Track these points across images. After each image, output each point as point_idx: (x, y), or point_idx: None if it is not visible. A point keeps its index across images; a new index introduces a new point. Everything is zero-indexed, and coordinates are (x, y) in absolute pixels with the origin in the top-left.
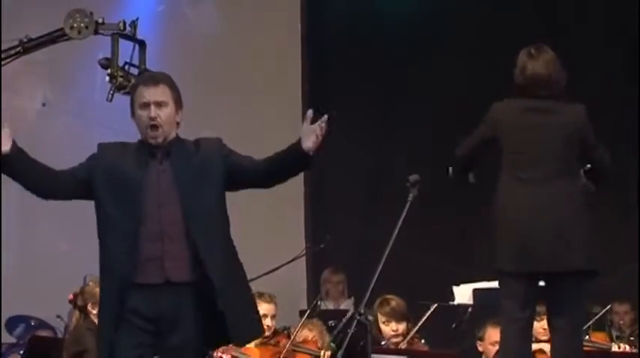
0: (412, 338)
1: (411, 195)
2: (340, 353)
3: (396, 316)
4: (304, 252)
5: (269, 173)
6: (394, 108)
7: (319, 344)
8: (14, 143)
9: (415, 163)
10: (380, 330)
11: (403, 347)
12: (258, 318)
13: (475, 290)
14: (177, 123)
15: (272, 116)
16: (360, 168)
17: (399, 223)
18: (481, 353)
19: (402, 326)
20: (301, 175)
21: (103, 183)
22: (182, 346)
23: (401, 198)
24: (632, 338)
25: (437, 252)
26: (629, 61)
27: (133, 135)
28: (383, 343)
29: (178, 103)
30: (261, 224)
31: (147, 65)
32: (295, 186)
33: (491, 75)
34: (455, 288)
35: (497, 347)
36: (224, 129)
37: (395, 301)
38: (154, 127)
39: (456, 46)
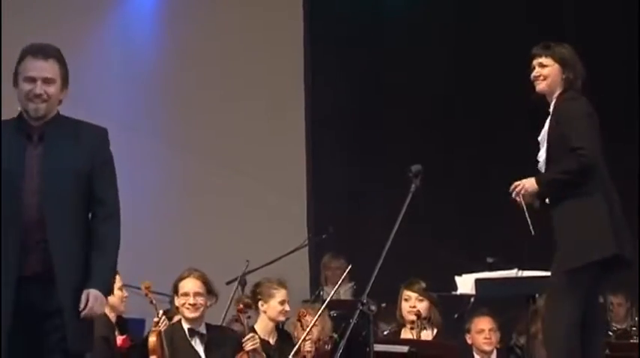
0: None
1: (413, 185)
2: (342, 343)
3: (418, 293)
4: (307, 242)
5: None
6: (395, 99)
7: (321, 334)
8: None
9: (417, 154)
10: (400, 309)
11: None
12: (92, 333)
13: (477, 281)
14: (60, 101)
15: (271, 110)
16: (361, 158)
17: (402, 213)
18: (471, 346)
19: (421, 306)
20: (303, 166)
21: None
22: (59, 341)
23: (404, 188)
24: (627, 330)
25: (439, 241)
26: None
27: (130, 129)
28: (385, 332)
29: (65, 81)
30: (264, 215)
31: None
32: (297, 177)
33: (491, 73)
34: (457, 278)
35: (483, 335)
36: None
37: (423, 283)
38: (38, 99)
39: (457, 43)
